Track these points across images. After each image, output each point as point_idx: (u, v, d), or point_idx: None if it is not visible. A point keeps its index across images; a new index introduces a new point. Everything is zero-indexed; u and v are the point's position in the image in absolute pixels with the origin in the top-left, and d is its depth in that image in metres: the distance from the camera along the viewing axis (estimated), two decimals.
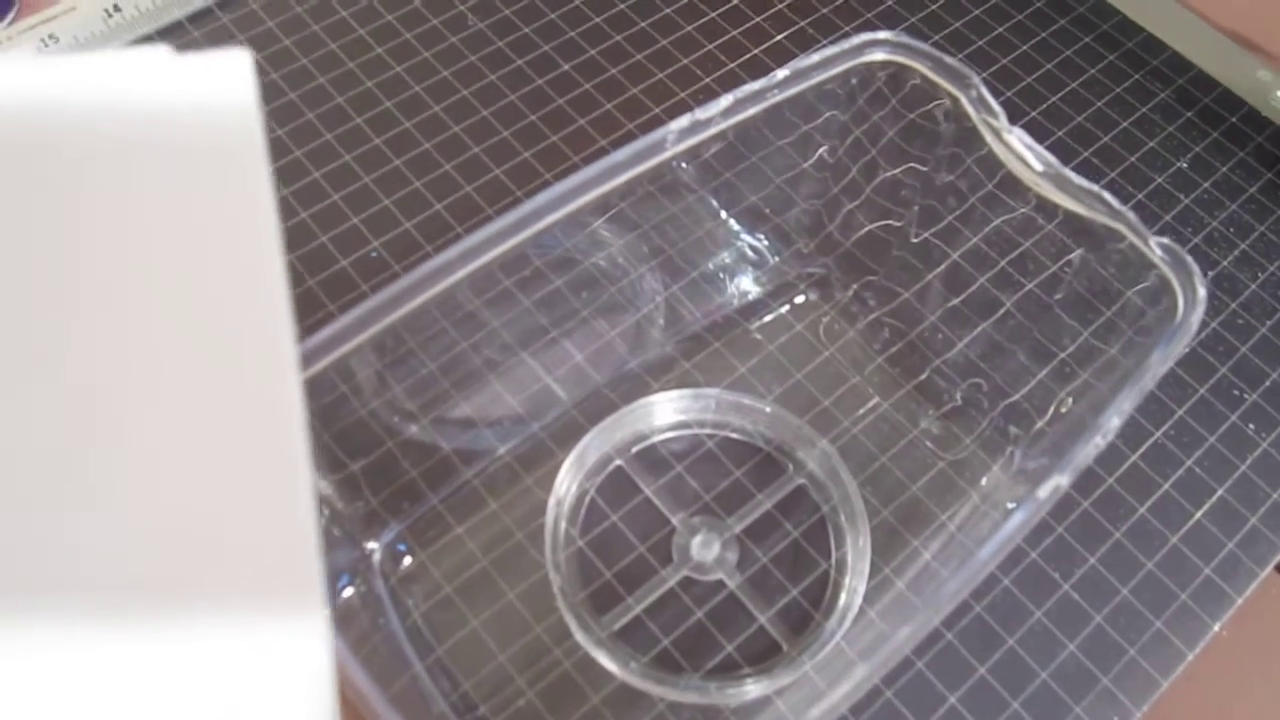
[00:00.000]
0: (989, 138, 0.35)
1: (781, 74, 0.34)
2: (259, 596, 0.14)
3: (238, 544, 0.15)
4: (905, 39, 0.35)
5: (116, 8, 0.50)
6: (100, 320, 0.15)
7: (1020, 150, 0.34)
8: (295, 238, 0.45)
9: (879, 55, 0.36)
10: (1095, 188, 0.33)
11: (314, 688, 0.14)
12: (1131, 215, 0.33)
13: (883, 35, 0.35)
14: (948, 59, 0.35)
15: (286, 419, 0.15)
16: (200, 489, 0.15)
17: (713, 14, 0.54)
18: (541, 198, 0.34)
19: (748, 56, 0.52)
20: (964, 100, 0.35)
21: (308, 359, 0.31)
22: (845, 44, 0.35)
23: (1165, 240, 0.32)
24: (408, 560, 0.38)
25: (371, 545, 0.38)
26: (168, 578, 0.14)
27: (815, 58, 0.35)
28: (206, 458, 0.15)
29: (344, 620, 0.32)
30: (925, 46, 0.35)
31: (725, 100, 0.33)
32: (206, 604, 0.14)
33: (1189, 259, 0.32)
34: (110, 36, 0.50)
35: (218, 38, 0.51)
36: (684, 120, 0.33)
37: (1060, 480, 0.28)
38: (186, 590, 0.14)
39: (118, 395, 0.15)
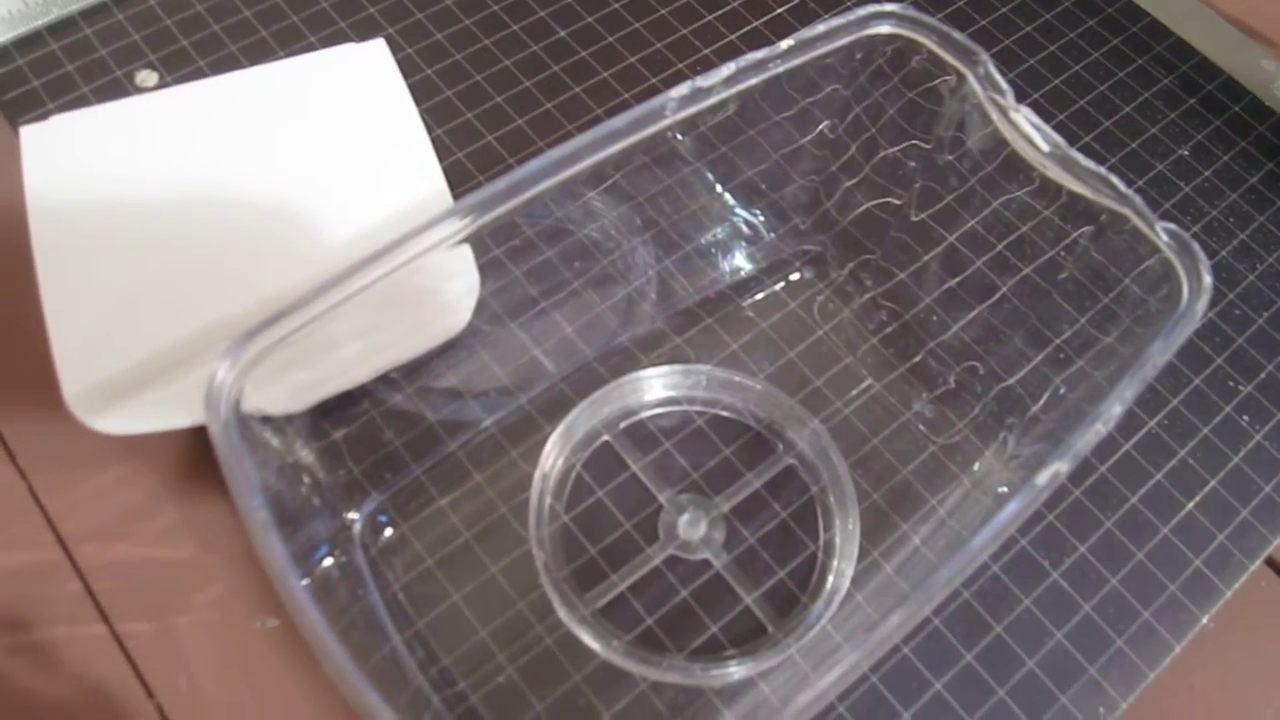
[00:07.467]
0: (995, 116, 0.34)
1: (785, 44, 0.33)
2: None
3: None
4: (913, 12, 0.34)
5: None
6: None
7: (1027, 129, 0.33)
8: None
9: (885, 28, 0.35)
10: (1102, 170, 0.32)
11: None
12: (1138, 199, 0.32)
13: (889, 7, 0.34)
14: (956, 34, 0.34)
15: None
16: None
17: None
18: (534, 164, 0.33)
19: (748, 28, 0.51)
20: (971, 77, 0.34)
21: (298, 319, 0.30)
22: (851, 15, 0.34)
23: (1172, 226, 0.32)
24: (389, 531, 0.37)
25: (352, 515, 0.37)
26: None
27: (820, 28, 0.34)
28: None
29: (322, 592, 0.31)
30: (933, 20, 0.34)
31: (727, 69, 0.32)
32: None
33: (1195, 245, 0.31)
34: (30, 16, 0.48)
35: (146, 20, 0.49)
36: (684, 88, 0.32)
37: (1060, 467, 0.28)
38: None
39: None
